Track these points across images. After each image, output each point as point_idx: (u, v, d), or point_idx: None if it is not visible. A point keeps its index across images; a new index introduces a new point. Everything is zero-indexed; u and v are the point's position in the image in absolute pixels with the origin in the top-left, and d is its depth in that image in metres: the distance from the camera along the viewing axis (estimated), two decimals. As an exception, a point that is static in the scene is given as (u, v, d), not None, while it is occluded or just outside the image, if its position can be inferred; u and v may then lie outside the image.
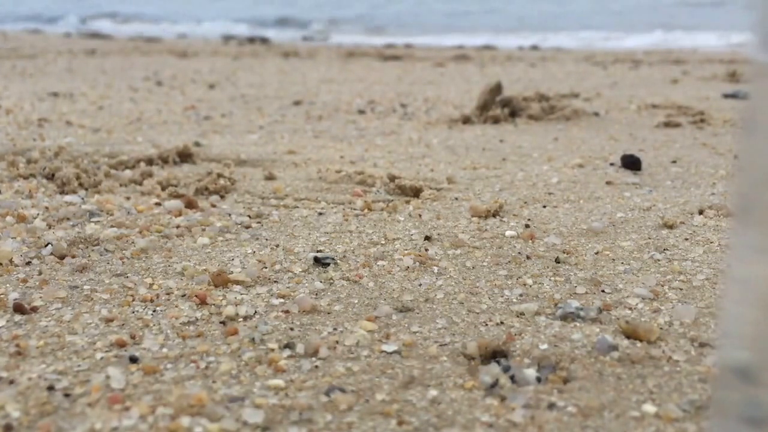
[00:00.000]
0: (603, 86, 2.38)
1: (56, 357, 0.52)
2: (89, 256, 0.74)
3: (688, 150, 1.32)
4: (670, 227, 0.84)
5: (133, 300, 0.63)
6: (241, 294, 0.64)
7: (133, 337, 0.55)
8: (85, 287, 0.65)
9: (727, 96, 2.06)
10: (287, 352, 0.53)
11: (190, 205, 0.91)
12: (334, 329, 0.57)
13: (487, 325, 0.59)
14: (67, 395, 0.47)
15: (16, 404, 0.45)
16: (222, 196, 0.98)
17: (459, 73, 2.87)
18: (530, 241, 0.80)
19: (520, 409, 0.46)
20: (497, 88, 1.65)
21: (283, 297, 0.64)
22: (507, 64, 3.28)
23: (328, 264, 0.72)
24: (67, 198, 0.93)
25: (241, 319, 0.59)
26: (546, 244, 0.79)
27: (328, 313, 0.61)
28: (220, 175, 1.03)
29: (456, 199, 0.97)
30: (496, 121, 1.61)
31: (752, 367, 0.27)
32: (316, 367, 0.51)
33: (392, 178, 1.03)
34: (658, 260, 0.74)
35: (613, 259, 0.74)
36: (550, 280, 0.69)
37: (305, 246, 0.78)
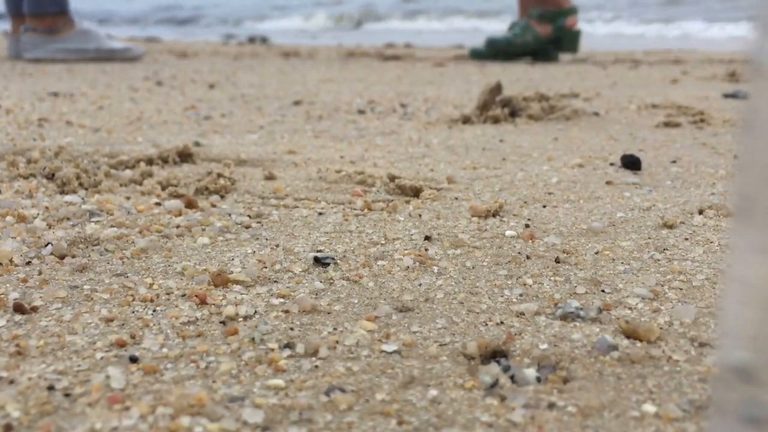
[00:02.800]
0: (603, 86, 2.38)
1: (56, 357, 0.52)
2: (89, 255, 0.74)
3: (688, 150, 1.32)
4: (670, 227, 0.85)
5: (133, 300, 0.63)
6: (241, 294, 0.64)
7: (133, 337, 0.55)
8: (85, 287, 0.65)
9: (727, 96, 2.06)
10: (287, 352, 0.53)
11: (190, 204, 0.91)
12: (334, 329, 0.57)
13: (487, 324, 0.59)
14: (67, 395, 0.47)
15: (16, 404, 0.45)
16: (222, 196, 0.98)
17: (459, 73, 2.87)
18: (530, 241, 0.80)
19: (520, 408, 0.46)
20: (497, 88, 1.65)
21: (283, 297, 0.64)
22: (507, 64, 3.28)
23: (328, 264, 0.72)
24: (67, 198, 0.93)
25: (241, 319, 0.59)
26: (546, 244, 0.79)
27: (328, 313, 0.61)
28: (220, 175, 1.03)
29: (456, 198, 0.97)
30: (496, 121, 1.61)
31: (752, 366, 0.27)
32: (316, 366, 0.51)
33: (392, 178, 1.03)
34: (658, 260, 0.74)
35: (613, 259, 0.74)
36: (550, 280, 0.69)
37: (305, 246, 0.78)
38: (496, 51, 3.40)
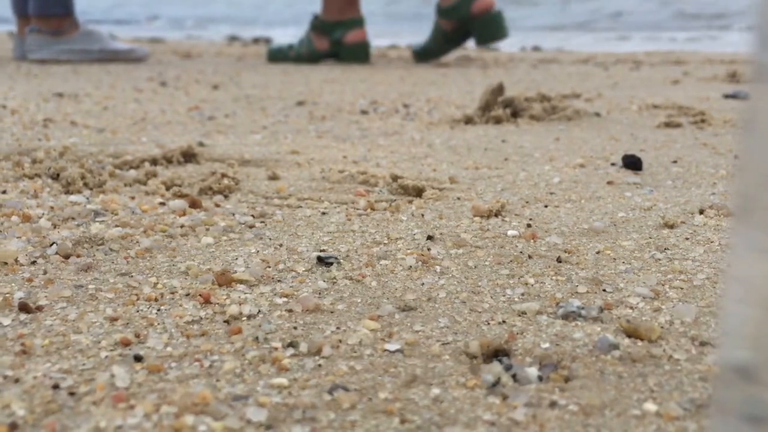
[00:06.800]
0: (604, 87, 2.38)
1: (61, 356, 0.52)
2: (94, 255, 0.74)
3: (689, 150, 1.32)
4: (671, 227, 0.85)
5: (138, 299, 0.63)
6: (245, 293, 0.65)
7: (137, 336, 0.55)
8: (89, 286, 0.66)
9: (727, 96, 2.06)
10: (291, 351, 0.54)
11: (194, 204, 0.91)
12: (338, 328, 0.58)
13: (489, 324, 0.59)
14: (72, 394, 0.47)
15: (22, 403, 0.46)
16: (226, 196, 0.98)
17: (461, 74, 2.87)
18: (532, 240, 0.80)
19: (522, 407, 0.46)
20: (499, 89, 1.66)
21: (286, 296, 0.64)
22: (509, 65, 3.28)
23: (332, 263, 0.72)
24: (72, 198, 0.94)
25: (244, 318, 0.59)
26: (548, 244, 0.79)
27: (332, 312, 0.61)
28: (224, 175, 1.03)
29: (458, 198, 0.97)
30: (498, 121, 1.61)
31: (752, 365, 0.28)
32: (320, 365, 0.52)
33: (395, 178, 1.03)
34: (659, 260, 0.74)
35: (614, 259, 0.75)
36: (551, 279, 0.69)
37: (308, 245, 0.78)
38: (273, 59, 3.27)
